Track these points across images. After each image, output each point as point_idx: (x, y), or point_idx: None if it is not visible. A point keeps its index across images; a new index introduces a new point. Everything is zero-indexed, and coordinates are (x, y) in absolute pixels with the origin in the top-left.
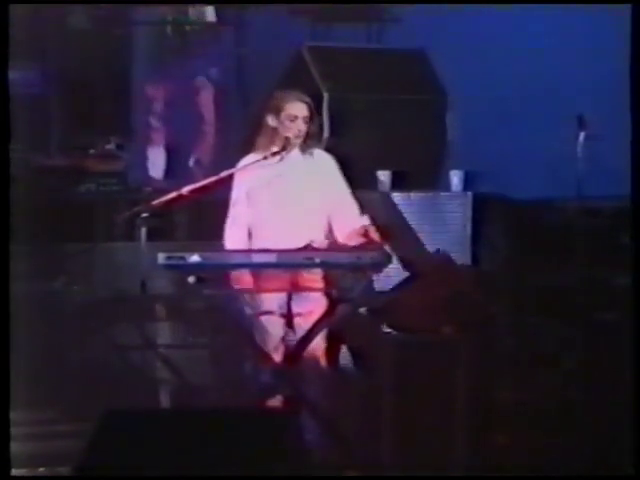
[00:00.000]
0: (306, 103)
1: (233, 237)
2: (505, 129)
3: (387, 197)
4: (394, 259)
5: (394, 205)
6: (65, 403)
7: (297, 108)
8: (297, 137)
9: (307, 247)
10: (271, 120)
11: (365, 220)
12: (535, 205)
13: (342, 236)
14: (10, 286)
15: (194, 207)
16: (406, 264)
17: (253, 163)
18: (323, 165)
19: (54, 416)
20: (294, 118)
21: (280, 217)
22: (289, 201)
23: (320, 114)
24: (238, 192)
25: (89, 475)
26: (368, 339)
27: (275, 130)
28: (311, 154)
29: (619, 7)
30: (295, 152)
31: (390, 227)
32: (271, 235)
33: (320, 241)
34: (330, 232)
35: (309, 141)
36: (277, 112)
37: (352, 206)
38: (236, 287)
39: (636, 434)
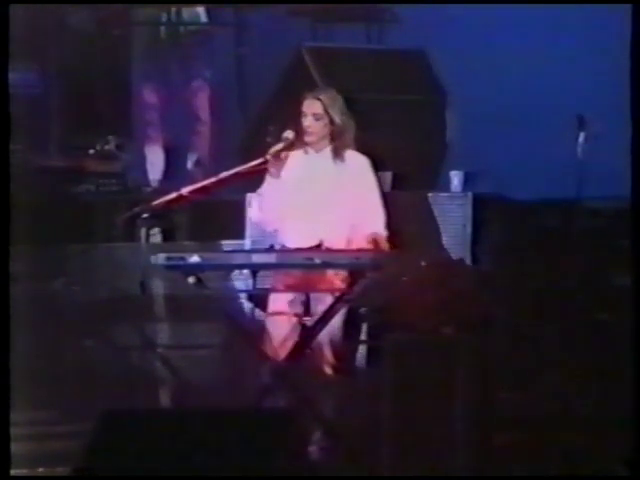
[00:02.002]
0: (319, 100)
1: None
2: (505, 129)
3: (387, 197)
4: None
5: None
6: (65, 403)
7: (306, 104)
8: (306, 134)
9: (319, 246)
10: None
11: (381, 231)
12: (535, 206)
13: (357, 243)
14: (10, 286)
15: (194, 207)
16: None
17: (256, 165)
18: (354, 168)
19: (54, 416)
20: (303, 115)
21: (297, 215)
22: (308, 200)
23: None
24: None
25: (89, 475)
26: (368, 339)
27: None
28: (342, 155)
29: (619, 7)
30: (326, 152)
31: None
32: (287, 230)
33: (331, 242)
34: (351, 236)
35: (337, 141)
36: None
37: (374, 215)
38: (238, 288)
39: (636, 434)
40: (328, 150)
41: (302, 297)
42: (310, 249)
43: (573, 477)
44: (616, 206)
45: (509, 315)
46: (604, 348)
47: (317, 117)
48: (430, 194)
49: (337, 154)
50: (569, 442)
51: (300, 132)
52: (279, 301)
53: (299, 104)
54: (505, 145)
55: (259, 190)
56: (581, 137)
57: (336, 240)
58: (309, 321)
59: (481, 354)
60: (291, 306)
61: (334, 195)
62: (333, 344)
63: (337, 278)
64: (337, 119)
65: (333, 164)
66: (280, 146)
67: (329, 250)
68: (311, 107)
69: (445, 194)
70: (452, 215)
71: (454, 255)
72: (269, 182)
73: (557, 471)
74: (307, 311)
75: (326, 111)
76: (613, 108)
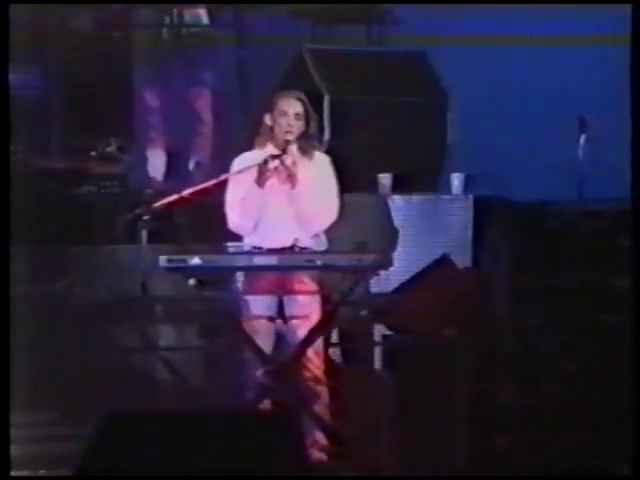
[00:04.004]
0: (299, 100)
1: (243, 225)
2: (506, 131)
3: (388, 200)
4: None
5: (395, 208)
6: (65, 405)
7: (288, 104)
8: (287, 133)
9: (293, 246)
10: (268, 119)
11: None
12: (536, 207)
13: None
14: (11, 288)
15: (195, 209)
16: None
17: (252, 166)
18: (320, 168)
19: (55, 418)
20: (284, 113)
21: (269, 214)
22: (279, 199)
23: (320, 116)
24: (245, 184)
25: (89, 477)
26: (369, 341)
27: (272, 129)
28: (310, 155)
29: (619, 7)
30: (293, 151)
31: (391, 230)
32: (260, 231)
33: (304, 240)
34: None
35: (306, 141)
36: (272, 109)
37: (323, 215)
38: (236, 289)
39: (636, 435)
40: (294, 149)
41: (292, 300)
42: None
43: (573, 477)
44: (616, 207)
45: (510, 317)
46: (604, 348)
47: (298, 116)
48: (431, 196)
49: (303, 153)
50: (569, 442)
51: (275, 131)
52: (264, 304)
53: (273, 104)
54: (506, 147)
55: (240, 194)
56: (582, 139)
57: (307, 238)
58: (302, 325)
59: (482, 356)
60: (277, 309)
61: (302, 192)
62: (317, 347)
63: (330, 281)
64: (314, 120)
65: (299, 162)
66: (277, 151)
67: (329, 252)
68: (293, 106)
69: (446, 196)
70: (453, 218)
71: (455, 257)
72: (252, 187)
73: (557, 471)
74: (300, 315)
75: (306, 111)
76: (613, 109)
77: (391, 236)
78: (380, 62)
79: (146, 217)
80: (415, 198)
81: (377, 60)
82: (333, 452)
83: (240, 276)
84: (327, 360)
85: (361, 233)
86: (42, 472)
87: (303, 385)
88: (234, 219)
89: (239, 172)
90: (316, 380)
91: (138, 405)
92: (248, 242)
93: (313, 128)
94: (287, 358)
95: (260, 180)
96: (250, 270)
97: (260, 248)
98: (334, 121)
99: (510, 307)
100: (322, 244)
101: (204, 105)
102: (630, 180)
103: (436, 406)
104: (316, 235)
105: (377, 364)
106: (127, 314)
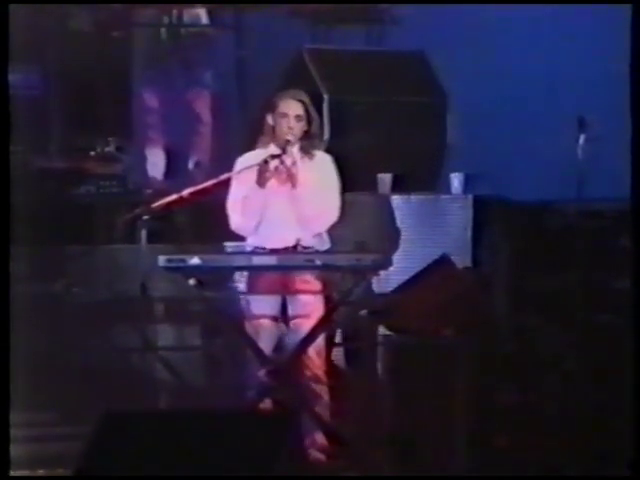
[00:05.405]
0: (300, 101)
1: (245, 225)
2: (505, 131)
3: (387, 199)
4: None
5: (394, 208)
6: (65, 405)
7: (288, 105)
8: (288, 134)
9: (296, 246)
10: (270, 119)
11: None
12: (535, 207)
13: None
14: (10, 288)
15: (194, 209)
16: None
17: (252, 166)
18: (321, 168)
19: (54, 418)
20: (284, 115)
21: (271, 214)
22: (281, 199)
23: (320, 116)
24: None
25: (89, 477)
26: (368, 341)
27: (274, 129)
28: (311, 155)
29: (619, 7)
30: (294, 152)
31: (392, 230)
32: (262, 231)
33: (307, 240)
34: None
35: (307, 141)
36: (273, 110)
37: (326, 214)
38: (236, 289)
39: (636, 435)
40: (295, 149)
41: (293, 300)
42: (297, 249)
43: (573, 477)
44: (616, 207)
45: (509, 317)
46: (604, 349)
47: (299, 118)
48: (430, 196)
49: (305, 152)
50: (569, 442)
51: (277, 132)
52: (266, 304)
53: (274, 106)
54: (505, 147)
55: (241, 194)
56: (581, 139)
57: (310, 238)
58: (303, 324)
59: (481, 356)
60: (280, 309)
61: (303, 192)
62: (318, 347)
63: (331, 280)
64: (315, 120)
65: (299, 162)
66: (278, 151)
67: (328, 251)
68: (294, 108)
69: (446, 196)
70: (453, 218)
71: (455, 257)
72: (253, 188)
73: (557, 471)
74: (301, 314)
75: (307, 112)
76: (613, 109)
77: (393, 236)
78: (380, 62)
79: (145, 217)
80: (414, 198)
81: (377, 60)
82: (333, 452)
83: (241, 276)
84: (328, 360)
85: (361, 233)
86: (41, 472)
87: (304, 385)
88: (236, 220)
89: (239, 172)
90: (317, 380)
91: (138, 405)
92: (250, 242)
93: (314, 128)
94: (288, 358)
95: (260, 180)
96: (249, 270)
97: (263, 248)
98: (333, 121)
99: (510, 307)
100: (325, 243)
101: (203, 105)
102: (630, 180)
103: (436, 406)
104: (318, 234)
105: (377, 364)
106: (127, 314)
